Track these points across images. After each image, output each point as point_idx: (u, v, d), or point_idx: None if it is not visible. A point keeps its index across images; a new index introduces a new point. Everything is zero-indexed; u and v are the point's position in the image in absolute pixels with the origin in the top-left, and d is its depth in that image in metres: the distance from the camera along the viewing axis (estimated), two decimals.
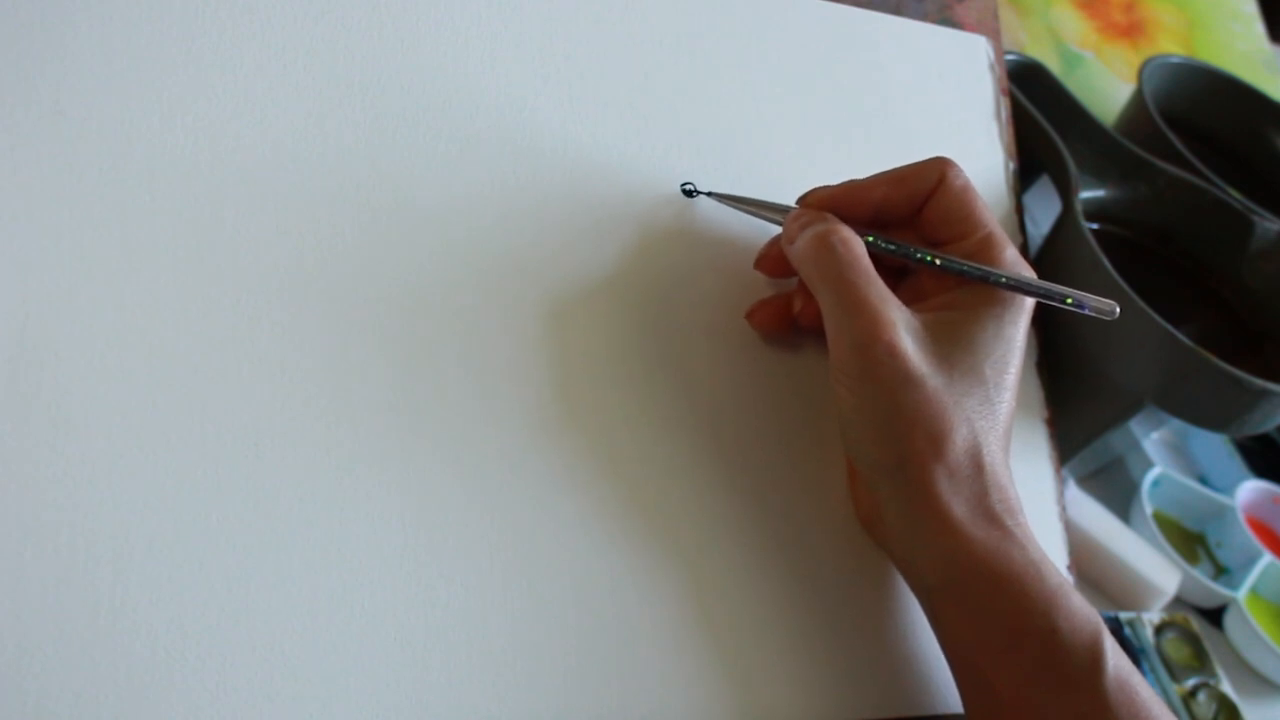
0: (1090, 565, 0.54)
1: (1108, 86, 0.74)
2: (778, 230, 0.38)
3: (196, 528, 0.29)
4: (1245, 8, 0.86)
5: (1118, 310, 0.35)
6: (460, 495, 0.33)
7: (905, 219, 0.37)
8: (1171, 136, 0.60)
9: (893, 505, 0.34)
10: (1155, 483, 0.59)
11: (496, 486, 0.33)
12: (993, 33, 0.51)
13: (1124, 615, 0.52)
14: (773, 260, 0.38)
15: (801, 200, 0.37)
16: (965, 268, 0.35)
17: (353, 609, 0.30)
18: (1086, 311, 0.35)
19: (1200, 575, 0.56)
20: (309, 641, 0.29)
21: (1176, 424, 0.61)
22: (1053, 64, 0.71)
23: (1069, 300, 0.35)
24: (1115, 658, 0.32)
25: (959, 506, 0.33)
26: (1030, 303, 0.36)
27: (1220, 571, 0.59)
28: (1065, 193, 0.51)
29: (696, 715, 0.34)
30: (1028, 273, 0.35)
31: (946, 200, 0.36)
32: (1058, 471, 0.46)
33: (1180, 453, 0.64)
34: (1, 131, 0.30)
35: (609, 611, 0.33)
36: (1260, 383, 0.45)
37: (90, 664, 0.27)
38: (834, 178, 0.37)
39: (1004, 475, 0.34)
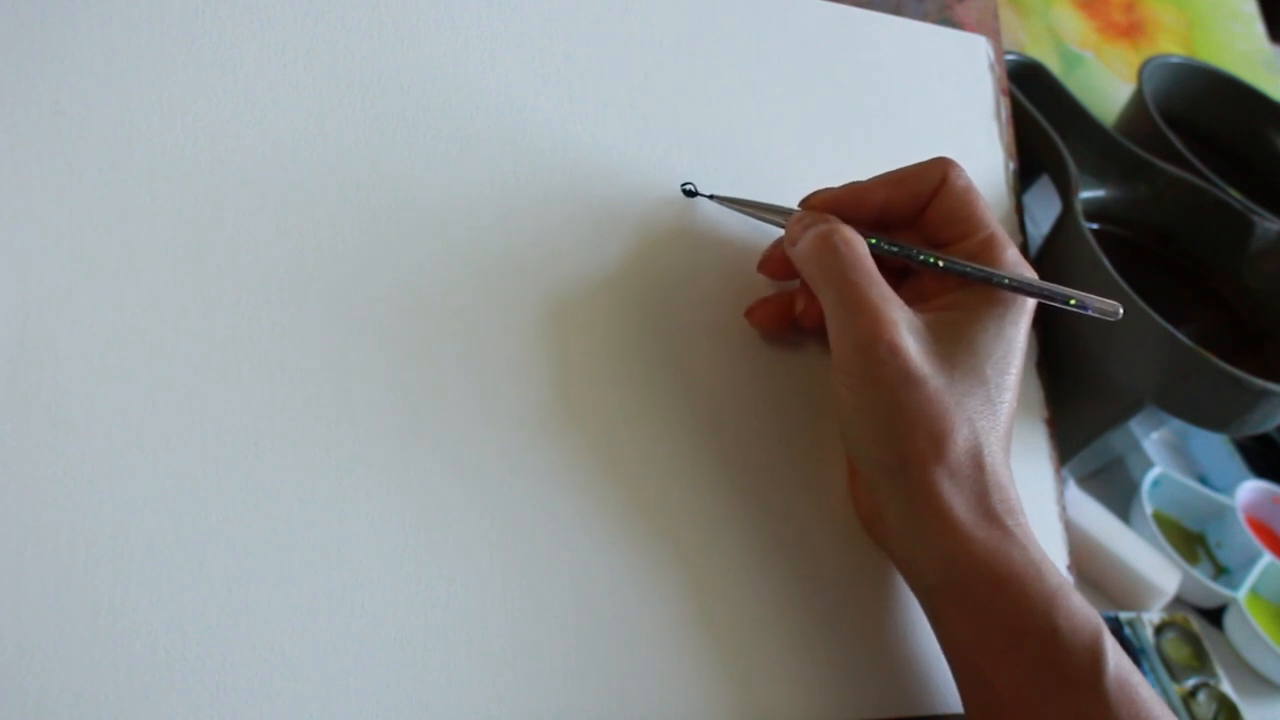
0: (1090, 565, 0.54)
1: (1108, 86, 0.74)
2: (779, 232, 0.38)
3: (196, 528, 0.29)
4: (1245, 8, 0.86)
5: (1121, 311, 0.35)
6: (460, 495, 0.33)
7: (907, 220, 0.37)
8: (1171, 136, 0.59)
9: (893, 505, 0.34)
10: (1155, 483, 0.59)
11: (496, 486, 0.33)
12: (993, 33, 0.51)
13: (1124, 615, 0.52)
14: (775, 262, 0.38)
15: (804, 202, 0.37)
16: (968, 269, 0.35)
17: (353, 609, 0.30)
18: (1090, 312, 0.35)
19: (1200, 575, 0.56)
20: (309, 641, 0.29)
21: (1176, 424, 0.61)
22: (1053, 64, 0.71)
23: (1072, 301, 0.35)
24: (1116, 658, 0.32)
25: (959, 506, 0.33)
26: (1031, 304, 0.36)
27: (1220, 571, 0.59)
28: (1065, 193, 0.51)
29: (696, 715, 0.34)
30: (1029, 274, 0.35)
31: (949, 201, 0.36)
32: (1058, 471, 0.46)
33: (1180, 453, 0.64)
34: (1, 131, 0.30)
35: (609, 611, 0.33)
36: (1260, 383, 0.45)
37: (90, 664, 0.27)
38: (834, 178, 0.37)
39: (1004, 475, 0.34)
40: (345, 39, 0.35)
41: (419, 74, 0.36)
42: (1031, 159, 0.52)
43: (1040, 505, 0.45)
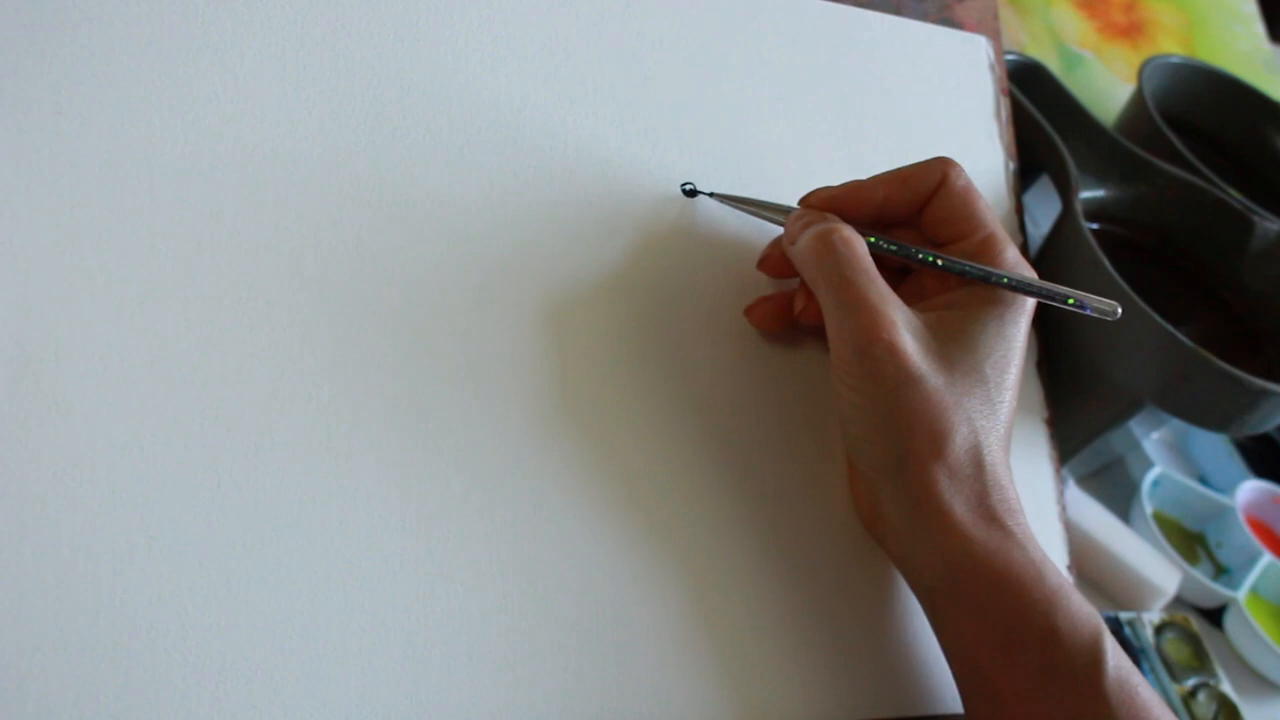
0: (1090, 565, 0.54)
1: (1108, 86, 0.74)
2: (779, 231, 0.38)
3: (196, 528, 0.29)
4: (1245, 8, 0.86)
5: (1120, 311, 0.35)
6: (460, 495, 0.33)
7: (907, 219, 0.37)
8: (1171, 136, 0.59)
9: (893, 505, 0.34)
10: (1155, 483, 0.59)
11: (497, 486, 0.33)
12: (993, 33, 0.51)
13: (1124, 615, 0.52)
14: (775, 261, 0.38)
15: (804, 201, 0.37)
16: (967, 268, 0.35)
17: (353, 609, 0.30)
18: (1088, 312, 0.35)
19: (1200, 575, 0.56)
20: (309, 641, 0.29)
21: (1176, 424, 0.61)
22: (1053, 64, 0.71)
23: (1071, 301, 0.35)
24: (1115, 658, 0.32)
25: (959, 506, 0.33)
26: (1031, 303, 0.36)
27: (1220, 571, 0.59)
28: (1065, 193, 0.51)
29: (696, 715, 0.34)
30: (1029, 273, 0.35)
31: (948, 200, 0.36)
32: (1058, 471, 0.46)
33: (1180, 453, 0.64)
34: (1, 131, 0.30)
35: (609, 611, 0.33)
36: (1260, 383, 0.45)
37: (90, 664, 0.27)
38: (834, 178, 0.37)
39: (1004, 475, 0.34)
40: (345, 39, 0.35)
41: (419, 74, 0.36)
42: (1031, 159, 0.52)
43: (1040, 505, 0.45)
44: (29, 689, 0.26)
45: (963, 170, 0.36)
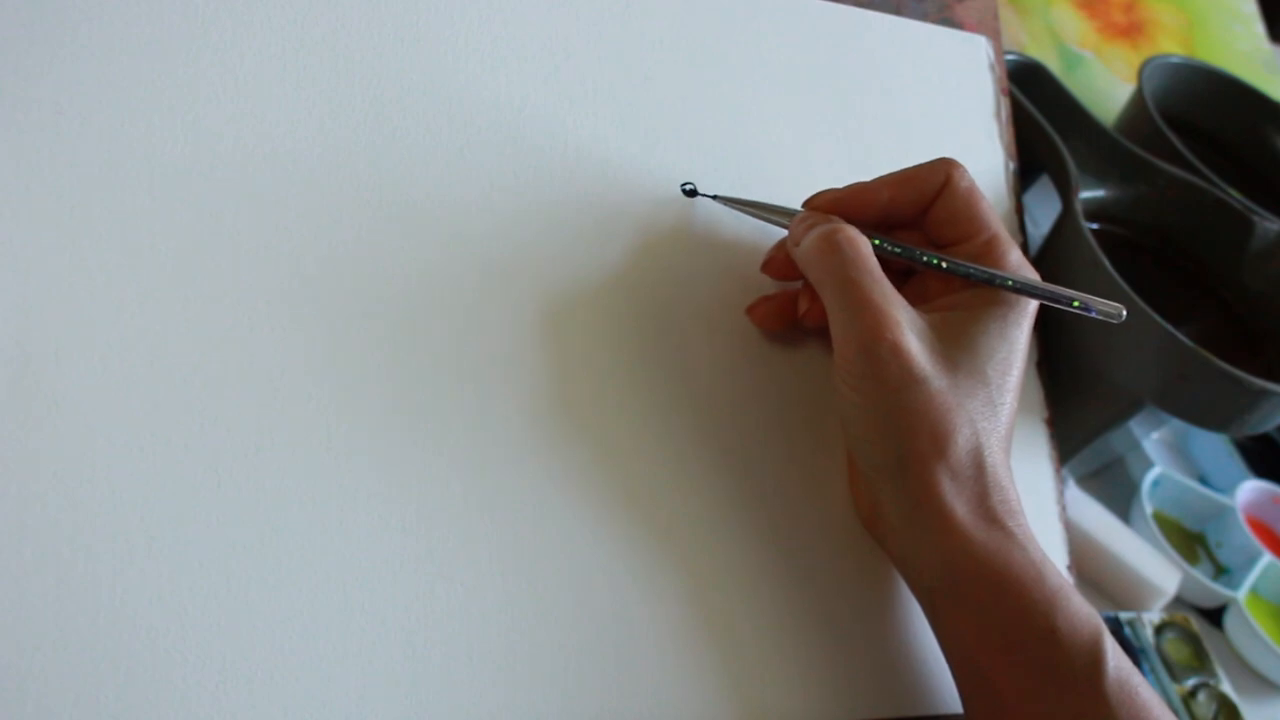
0: (1090, 565, 0.54)
1: (1108, 86, 0.74)
2: (780, 232, 0.38)
3: (196, 528, 0.29)
4: (1245, 8, 0.86)
5: (1124, 313, 0.35)
6: (460, 495, 0.32)
7: (911, 220, 0.37)
8: (1171, 136, 0.59)
9: (894, 505, 0.34)
10: (1155, 483, 0.59)
11: (496, 487, 0.33)
12: (993, 33, 0.51)
13: (1124, 615, 0.52)
14: (779, 263, 0.38)
15: (808, 203, 0.37)
16: (971, 270, 0.35)
17: (353, 609, 0.30)
18: (1093, 315, 0.35)
19: (1200, 575, 0.56)
20: (309, 641, 0.29)
21: (1176, 424, 0.61)
22: (1053, 64, 0.71)
23: (1076, 304, 0.35)
24: (1115, 658, 0.32)
25: (960, 507, 0.33)
26: (1034, 305, 0.36)
27: (1220, 571, 0.59)
28: (1065, 193, 0.51)
29: (696, 715, 0.34)
30: (1033, 275, 0.35)
31: (952, 202, 0.36)
32: (1058, 471, 0.46)
33: (1180, 453, 0.64)
34: (1, 131, 0.30)
35: (609, 611, 0.33)
36: (1260, 383, 0.45)
37: (90, 664, 0.27)
38: (834, 178, 0.37)
39: (1005, 476, 0.34)
40: (345, 39, 0.35)
41: (419, 74, 0.36)
42: (1031, 159, 0.52)
43: (1040, 505, 0.45)
44: (29, 689, 0.26)
45: (966, 171, 0.36)
